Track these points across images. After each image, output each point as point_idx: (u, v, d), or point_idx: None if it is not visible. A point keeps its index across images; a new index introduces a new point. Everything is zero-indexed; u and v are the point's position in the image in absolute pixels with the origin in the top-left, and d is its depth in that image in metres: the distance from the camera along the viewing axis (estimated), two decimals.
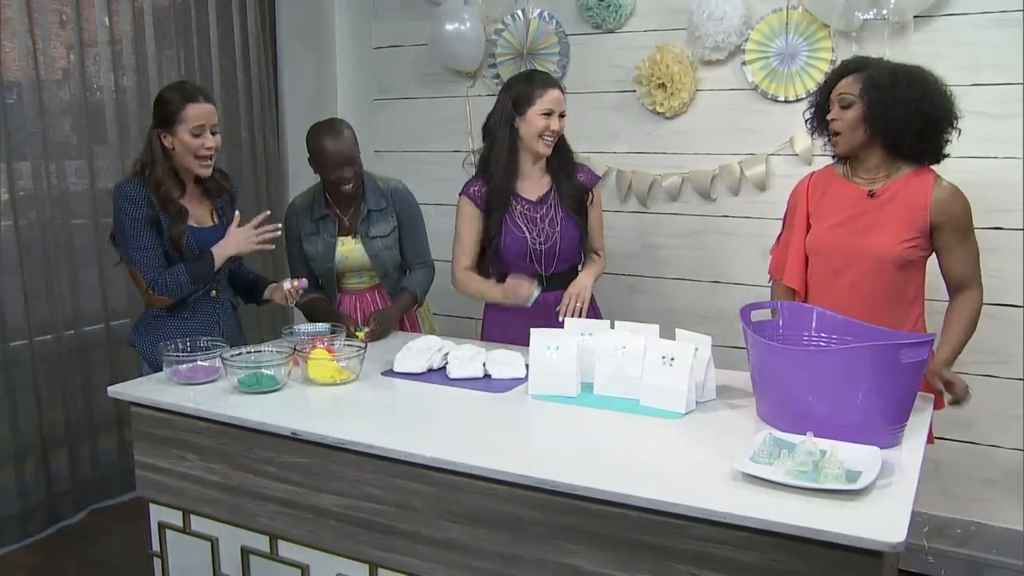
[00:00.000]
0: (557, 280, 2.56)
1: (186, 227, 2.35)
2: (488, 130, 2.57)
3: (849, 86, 2.13)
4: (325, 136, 2.55)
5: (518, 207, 2.54)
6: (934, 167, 2.15)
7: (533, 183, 2.57)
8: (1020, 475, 2.81)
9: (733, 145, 3.15)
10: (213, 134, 2.32)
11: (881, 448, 1.55)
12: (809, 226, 2.25)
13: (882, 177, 2.15)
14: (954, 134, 2.11)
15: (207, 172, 2.35)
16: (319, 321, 2.58)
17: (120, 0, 3.19)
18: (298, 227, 2.69)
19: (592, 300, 2.57)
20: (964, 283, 2.14)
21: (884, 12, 2.71)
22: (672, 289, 3.38)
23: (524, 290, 2.45)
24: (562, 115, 2.49)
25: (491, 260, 2.60)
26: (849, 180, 2.21)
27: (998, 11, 2.69)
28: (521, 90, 2.48)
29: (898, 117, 2.05)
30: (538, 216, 2.54)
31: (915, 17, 2.75)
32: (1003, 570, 2.82)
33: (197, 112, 2.27)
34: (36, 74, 2.97)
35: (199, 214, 2.43)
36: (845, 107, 2.13)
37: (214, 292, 2.44)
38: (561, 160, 2.56)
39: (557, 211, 2.55)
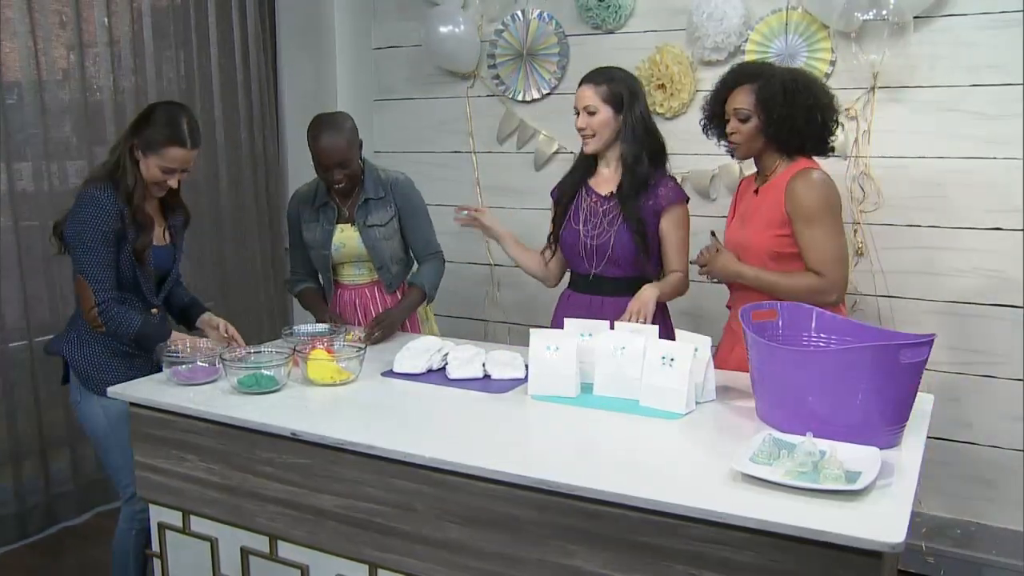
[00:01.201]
0: (606, 285, 2.45)
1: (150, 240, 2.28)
2: None
3: (744, 100, 2.22)
4: (321, 133, 2.50)
5: (587, 200, 2.48)
6: (819, 159, 2.25)
7: (606, 177, 2.48)
8: (1020, 475, 2.81)
9: None
10: (183, 171, 2.26)
11: (881, 448, 1.56)
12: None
13: (772, 173, 2.26)
14: (838, 129, 2.24)
15: (159, 193, 2.30)
16: (311, 309, 2.60)
17: (119, 1, 3.19)
18: (299, 215, 2.69)
19: (666, 317, 2.50)
20: (816, 272, 2.16)
21: (884, 13, 2.70)
22: None
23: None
24: (590, 111, 2.36)
25: (556, 253, 2.61)
26: (754, 179, 2.34)
27: (998, 12, 2.69)
28: None
29: (795, 127, 2.16)
30: (602, 211, 2.45)
31: (915, 18, 2.75)
32: (1003, 570, 2.82)
33: (175, 156, 2.20)
34: (36, 75, 2.97)
35: (155, 231, 2.35)
36: (743, 120, 2.23)
37: (155, 309, 2.35)
38: (632, 162, 2.40)
39: (620, 210, 2.44)
